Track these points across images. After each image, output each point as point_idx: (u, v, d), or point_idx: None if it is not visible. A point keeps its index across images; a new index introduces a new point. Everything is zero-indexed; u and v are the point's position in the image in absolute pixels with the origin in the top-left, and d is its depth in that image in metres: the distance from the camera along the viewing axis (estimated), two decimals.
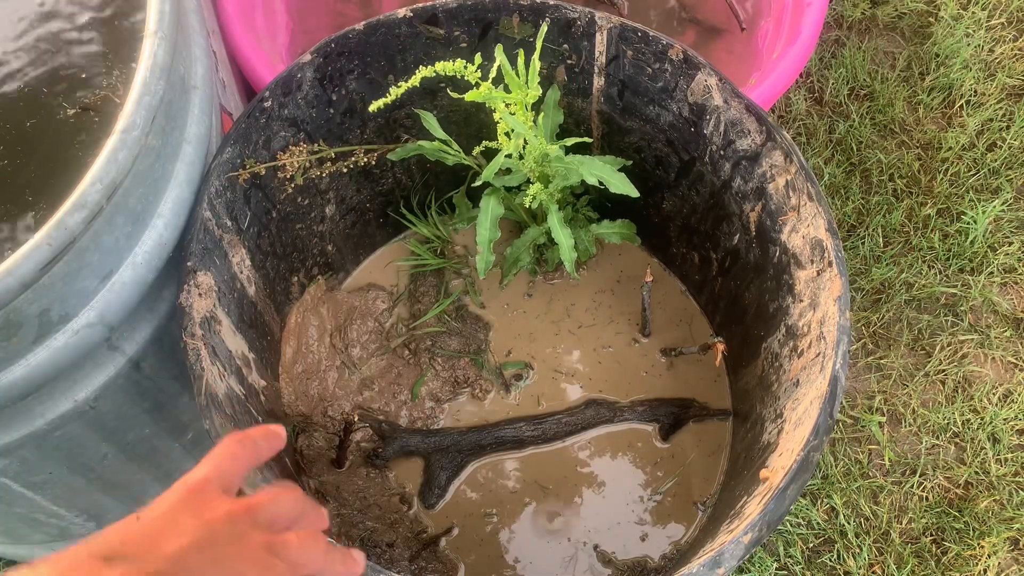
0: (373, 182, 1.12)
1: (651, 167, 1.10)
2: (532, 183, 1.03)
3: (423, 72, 0.91)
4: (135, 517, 0.47)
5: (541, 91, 0.95)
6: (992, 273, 1.45)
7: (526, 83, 0.94)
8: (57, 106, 0.74)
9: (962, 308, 1.42)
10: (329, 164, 1.03)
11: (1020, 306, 1.43)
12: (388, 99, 0.93)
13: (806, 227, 0.89)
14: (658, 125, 1.04)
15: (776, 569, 1.21)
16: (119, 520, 0.48)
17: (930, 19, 1.72)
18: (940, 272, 1.45)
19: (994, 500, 1.26)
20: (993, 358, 1.39)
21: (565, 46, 1.02)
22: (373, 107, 0.94)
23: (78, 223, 0.68)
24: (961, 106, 1.62)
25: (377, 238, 1.21)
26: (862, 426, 1.32)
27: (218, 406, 0.78)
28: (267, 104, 0.93)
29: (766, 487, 0.80)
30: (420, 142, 1.04)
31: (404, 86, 0.93)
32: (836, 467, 1.28)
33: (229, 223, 0.90)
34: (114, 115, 0.72)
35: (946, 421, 1.33)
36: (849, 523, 1.24)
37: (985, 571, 1.22)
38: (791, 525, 1.24)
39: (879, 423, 1.32)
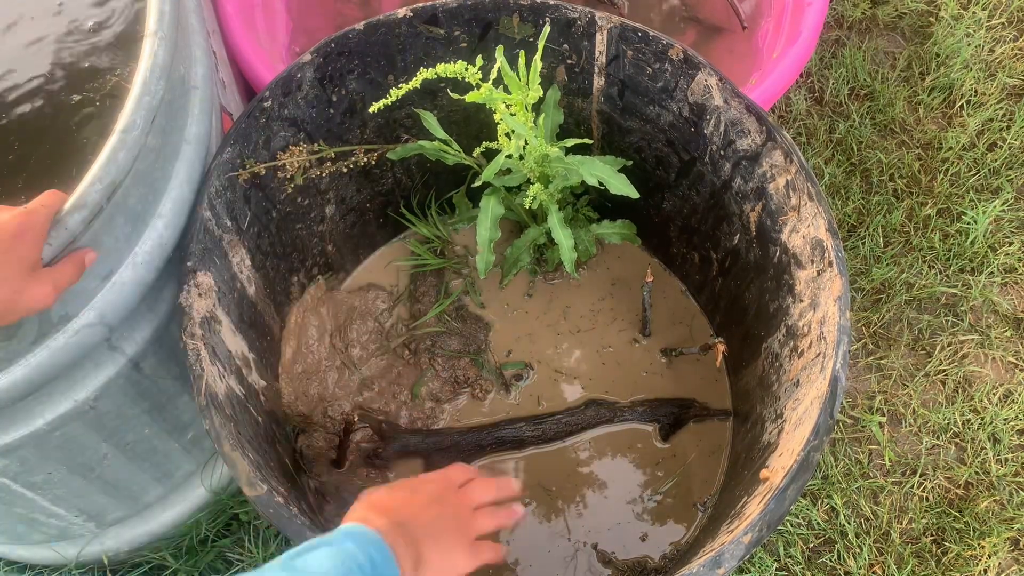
0: (373, 182, 1.12)
1: (651, 167, 1.10)
2: (532, 183, 1.03)
3: (424, 74, 0.91)
4: (410, 487, 0.77)
5: (542, 92, 0.95)
6: (992, 273, 1.45)
7: (526, 84, 0.94)
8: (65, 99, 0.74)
9: (962, 308, 1.42)
10: (329, 164, 1.03)
11: (1020, 306, 1.43)
12: (388, 100, 0.93)
13: (806, 227, 0.89)
14: (658, 125, 1.04)
15: (776, 569, 1.21)
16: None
17: (930, 19, 1.72)
18: (940, 272, 1.45)
19: (994, 500, 1.26)
20: (993, 358, 1.39)
21: (565, 46, 1.02)
22: (373, 108, 0.94)
23: (78, 223, 0.68)
24: (961, 106, 1.62)
25: (377, 238, 1.21)
26: (862, 426, 1.32)
27: (218, 406, 0.78)
28: (267, 104, 0.92)
29: (766, 487, 0.80)
30: (420, 142, 1.04)
31: (405, 88, 0.93)
32: (836, 467, 1.28)
33: (229, 223, 0.90)
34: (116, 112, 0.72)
35: (946, 421, 1.33)
36: (849, 523, 1.24)
37: (985, 571, 1.22)
38: (791, 525, 1.24)
39: (879, 423, 1.32)
